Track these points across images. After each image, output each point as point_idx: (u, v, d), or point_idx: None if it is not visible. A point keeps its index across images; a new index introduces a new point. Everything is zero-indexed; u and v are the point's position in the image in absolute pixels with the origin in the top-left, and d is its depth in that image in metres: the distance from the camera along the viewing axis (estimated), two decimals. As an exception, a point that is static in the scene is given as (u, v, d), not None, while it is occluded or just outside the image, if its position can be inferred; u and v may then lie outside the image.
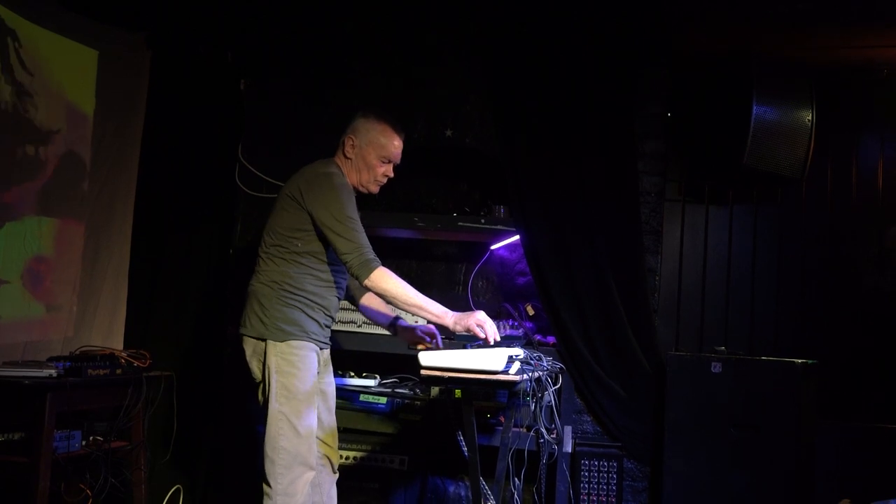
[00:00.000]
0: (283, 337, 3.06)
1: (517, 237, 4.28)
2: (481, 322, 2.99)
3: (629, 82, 4.21)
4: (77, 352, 3.78)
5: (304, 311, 3.09)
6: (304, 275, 3.11)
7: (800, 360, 3.77)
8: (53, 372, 3.41)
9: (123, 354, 3.83)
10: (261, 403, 3.12)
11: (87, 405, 3.69)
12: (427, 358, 2.84)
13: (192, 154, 4.49)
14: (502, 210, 4.28)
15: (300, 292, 3.09)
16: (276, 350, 3.05)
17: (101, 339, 4.23)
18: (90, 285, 4.25)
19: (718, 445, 3.77)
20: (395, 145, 3.23)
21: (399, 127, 3.26)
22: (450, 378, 2.81)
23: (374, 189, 3.29)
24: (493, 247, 4.55)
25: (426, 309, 3.04)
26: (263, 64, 4.54)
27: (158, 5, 4.33)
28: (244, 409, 4.36)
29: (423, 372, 2.84)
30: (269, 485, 3.03)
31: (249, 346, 3.13)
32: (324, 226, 3.04)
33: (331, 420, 3.32)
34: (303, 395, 3.06)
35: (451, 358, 2.80)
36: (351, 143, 3.22)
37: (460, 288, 4.63)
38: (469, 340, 3.15)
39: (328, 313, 3.20)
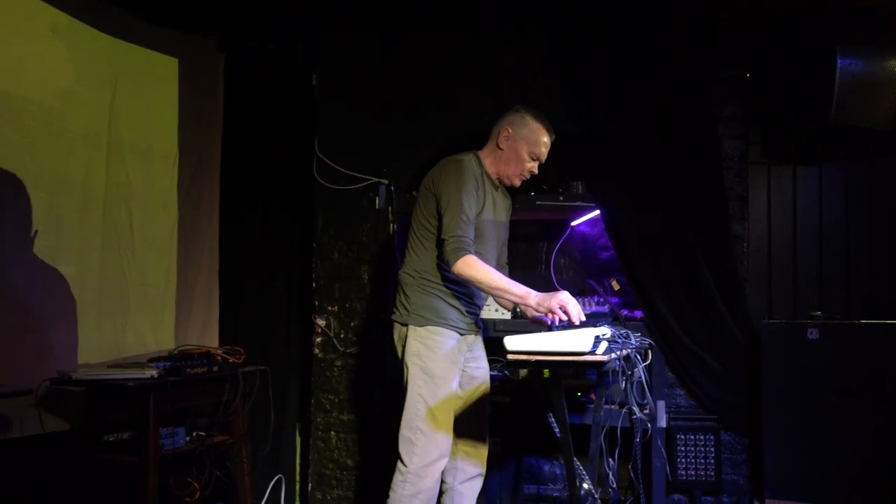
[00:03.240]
0: (423, 322, 3.26)
1: (597, 212, 4.22)
2: (564, 303, 2.98)
3: (700, 43, 4.08)
4: (176, 351, 3.92)
5: (443, 300, 3.28)
6: (441, 265, 3.26)
7: (902, 321, 3.62)
8: (154, 373, 3.55)
9: (219, 352, 3.96)
10: (403, 386, 3.29)
11: (188, 402, 3.83)
12: (512, 342, 2.84)
13: (270, 151, 4.59)
14: (581, 186, 4.22)
15: (439, 281, 3.28)
16: (416, 335, 3.26)
17: (197, 338, 4.40)
18: (185, 285, 4.41)
19: (819, 414, 3.65)
20: (546, 144, 3.38)
21: (551, 129, 3.40)
22: (536, 361, 2.80)
23: (517, 182, 3.44)
24: (573, 223, 4.51)
25: (510, 290, 3.10)
26: (333, 56, 4.56)
27: (226, 7, 4.41)
28: (338, 398, 4.47)
29: (508, 356, 2.84)
30: (403, 463, 3.21)
31: (396, 330, 3.36)
32: (440, 207, 3.20)
33: (478, 425, 3.43)
34: (440, 379, 3.23)
35: (536, 341, 2.79)
36: (507, 134, 3.35)
37: (543, 267, 4.60)
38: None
39: (472, 301, 3.35)
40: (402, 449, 3.23)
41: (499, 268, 3.45)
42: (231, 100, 4.62)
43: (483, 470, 3.47)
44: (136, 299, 4.14)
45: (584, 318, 3.01)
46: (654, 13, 4.05)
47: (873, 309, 4.09)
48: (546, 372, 2.90)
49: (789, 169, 4.28)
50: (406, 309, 3.31)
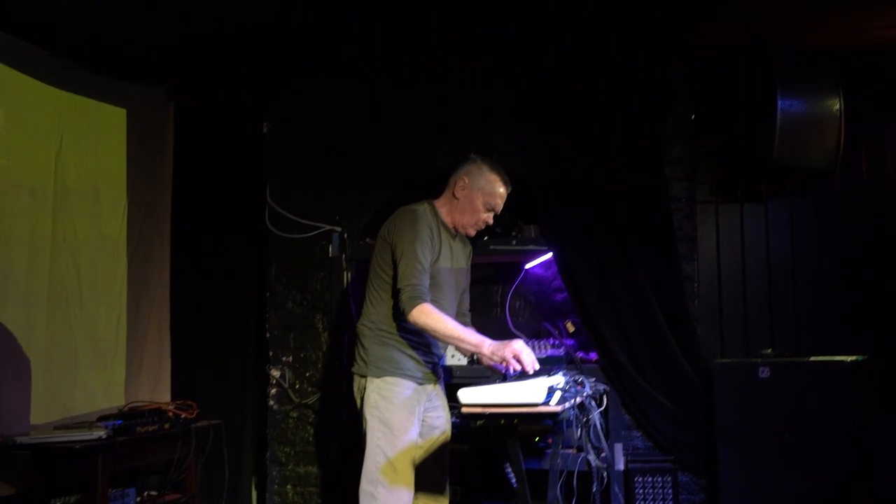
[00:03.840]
0: (380, 373, 3.24)
1: (550, 255, 4.25)
2: (517, 352, 2.98)
3: (650, 88, 4.16)
4: (126, 408, 3.85)
5: (399, 350, 3.26)
6: (398, 314, 3.21)
7: (850, 358, 3.68)
8: (103, 433, 3.48)
9: (171, 407, 3.90)
10: (363, 438, 3.26)
11: (138, 462, 3.76)
12: (466, 395, 2.83)
13: (222, 200, 4.58)
14: (533, 229, 4.25)
15: (395, 332, 3.26)
16: (373, 386, 3.24)
17: (149, 392, 4.32)
18: (135, 339, 4.33)
19: (773, 451, 3.68)
20: (502, 195, 3.39)
21: (508, 181, 3.41)
22: (491, 414, 2.79)
23: (472, 232, 3.44)
24: (527, 266, 4.52)
25: (464, 339, 3.10)
26: (284, 104, 4.56)
27: (176, 57, 4.39)
28: (294, 450, 4.40)
29: (463, 409, 2.83)
30: None
31: (356, 382, 3.33)
32: (395, 257, 3.20)
33: (439, 476, 3.40)
34: (399, 430, 3.19)
35: (490, 393, 2.79)
36: (463, 184, 3.36)
37: (498, 310, 4.61)
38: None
39: (429, 350, 3.33)
40: (363, 503, 3.19)
41: (459, 315, 3.45)
42: (181, 148, 4.60)
43: None
44: (86, 355, 4.06)
45: (538, 367, 3.01)
46: (604, 60, 4.12)
47: (823, 342, 4.16)
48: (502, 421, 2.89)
49: (737, 207, 4.36)
50: (364, 360, 3.29)
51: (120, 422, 3.59)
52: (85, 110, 4.13)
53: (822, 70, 4.04)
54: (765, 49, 3.99)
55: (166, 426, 3.76)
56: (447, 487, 3.45)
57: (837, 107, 3.96)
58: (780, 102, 3.89)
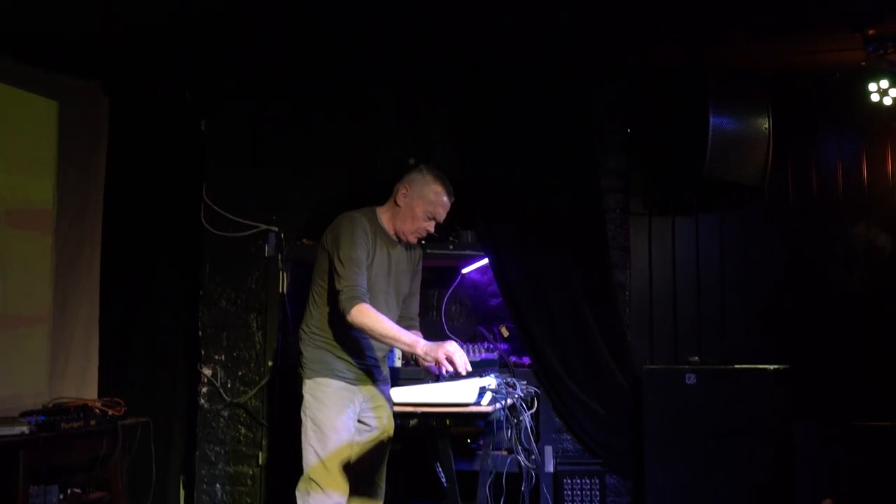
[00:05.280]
0: (312, 375, 3.29)
1: (486, 260, 4.31)
2: (450, 353, 3.01)
3: (586, 100, 4.28)
4: (50, 404, 3.77)
5: (330, 352, 3.29)
6: (331, 320, 3.27)
7: (772, 367, 3.83)
8: (26, 429, 3.40)
9: (97, 404, 3.86)
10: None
11: (62, 459, 3.68)
12: (399, 394, 2.86)
13: (157, 196, 4.51)
14: (470, 234, 4.31)
15: (327, 335, 3.30)
16: (307, 387, 3.29)
17: (76, 389, 4.22)
18: (61, 333, 4.24)
19: (698, 455, 3.81)
20: (444, 205, 3.41)
21: (451, 191, 3.42)
22: (423, 413, 2.82)
23: (412, 239, 3.45)
24: (464, 270, 4.58)
25: (399, 339, 3.12)
26: (223, 102, 4.53)
27: (112, 50, 4.32)
28: (225, 449, 4.37)
29: (395, 408, 2.86)
30: None
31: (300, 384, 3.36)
32: (332, 262, 3.22)
33: (374, 479, 3.41)
34: (329, 429, 3.21)
35: (421, 393, 2.83)
36: (405, 192, 3.38)
37: (434, 313, 4.65)
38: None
39: (362, 353, 3.34)
40: (299, 502, 3.21)
41: (406, 319, 3.48)
42: (116, 143, 4.51)
43: None
44: (9, 349, 3.96)
45: (470, 368, 3.04)
46: (542, 71, 4.22)
47: (749, 351, 4.30)
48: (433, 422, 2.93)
49: (668, 220, 4.48)
50: (301, 364, 3.34)
51: (43, 417, 3.52)
52: (14, 101, 4.03)
53: (752, 90, 4.20)
54: (699, 70, 4.13)
55: (92, 423, 3.71)
56: (382, 490, 3.46)
57: (766, 125, 4.12)
58: (712, 120, 4.03)
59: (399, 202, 3.40)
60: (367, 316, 3.10)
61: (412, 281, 3.56)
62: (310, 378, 3.29)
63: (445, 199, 3.41)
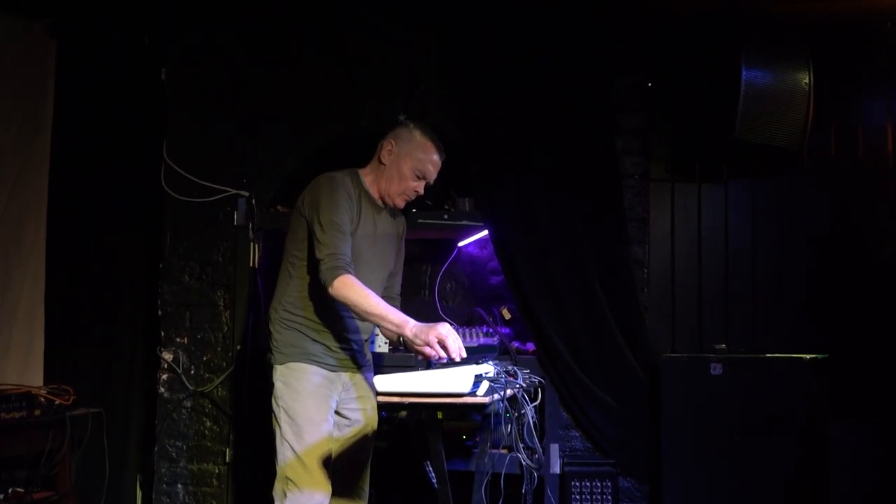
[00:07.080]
0: (284, 360, 3.27)
1: (486, 232, 4.26)
2: (442, 337, 2.95)
3: (602, 47, 4.19)
4: (-12, 392, 3.75)
5: (305, 334, 3.28)
6: (307, 295, 3.26)
7: (809, 356, 3.78)
8: (-41, 419, 3.38)
9: (42, 392, 3.85)
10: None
11: (2, 453, 3.68)
12: (383, 382, 2.82)
13: (111, 155, 4.49)
14: (468, 202, 4.26)
15: (302, 314, 3.28)
16: (278, 374, 3.28)
17: (17, 376, 4.21)
18: (2, 312, 4.21)
19: (722, 455, 3.76)
20: (434, 162, 3.41)
21: (441, 148, 3.42)
22: (410, 404, 2.79)
23: (400, 203, 3.43)
24: (460, 244, 4.54)
25: (386, 318, 3.07)
26: (186, 48, 4.47)
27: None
28: (187, 444, 4.36)
29: (379, 398, 2.82)
30: None
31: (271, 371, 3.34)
32: (311, 227, 3.19)
33: (355, 476, 3.40)
34: (305, 421, 3.20)
35: (409, 381, 2.79)
36: (390, 148, 3.37)
37: (426, 292, 4.62)
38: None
39: (343, 335, 3.32)
40: (276, 494, 3.22)
41: (388, 299, 3.42)
42: (64, 94, 4.46)
43: None
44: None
45: (465, 354, 2.99)
46: (550, 14, 4.13)
47: (783, 339, 4.26)
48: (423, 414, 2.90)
49: (694, 187, 4.42)
50: (272, 347, 3.32)
51: (-20, 407, 3.50)
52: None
53: (790, 40, 4.12)
54: (727, 14, 4.06)
55: (36, 413, 3.72)
56: (366, 494, 3.44)
57: (806, 80, 4.04)
58: (744, 73, 3.94)
59: (384, 160, 3.37)
60: (352, 289, 3.06)
61: (397, 256, 3.53)
62: (281, 363, 3.26)
63: (436, 156, 3.40)
